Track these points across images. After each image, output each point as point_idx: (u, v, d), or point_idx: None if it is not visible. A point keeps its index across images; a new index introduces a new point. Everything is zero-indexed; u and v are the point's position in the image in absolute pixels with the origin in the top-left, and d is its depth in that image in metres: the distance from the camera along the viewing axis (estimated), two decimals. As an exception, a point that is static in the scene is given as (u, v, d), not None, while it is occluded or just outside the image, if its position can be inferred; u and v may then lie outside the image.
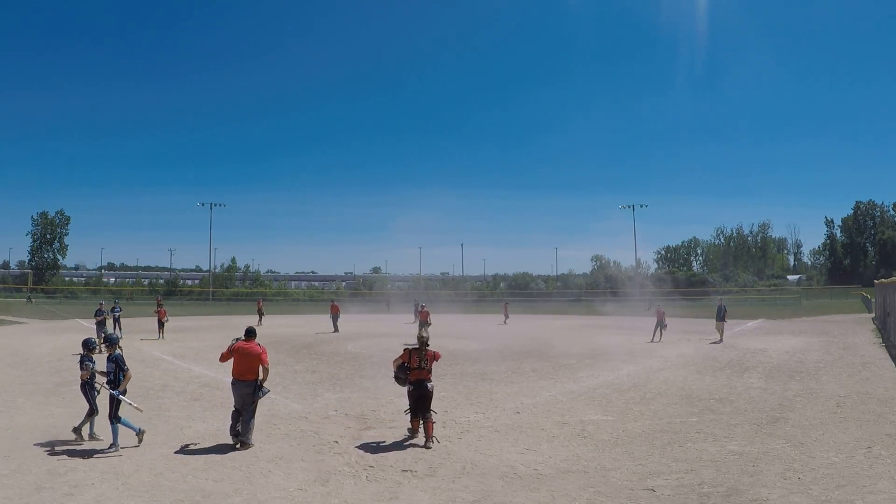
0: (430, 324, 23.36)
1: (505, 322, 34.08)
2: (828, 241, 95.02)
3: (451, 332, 26.71)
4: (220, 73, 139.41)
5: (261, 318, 33.49)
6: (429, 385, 8.30)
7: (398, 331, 26.70)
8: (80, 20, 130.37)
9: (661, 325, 22.41)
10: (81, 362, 8.18)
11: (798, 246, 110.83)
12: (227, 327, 30.08)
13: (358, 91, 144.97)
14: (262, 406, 10.60)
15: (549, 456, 7.52)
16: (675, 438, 8.29)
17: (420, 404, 8.23)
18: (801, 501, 5.86)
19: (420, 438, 8.18)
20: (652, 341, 21.84)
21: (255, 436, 8.18)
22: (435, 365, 8.60)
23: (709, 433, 8.56)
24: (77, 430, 8.13)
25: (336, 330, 26.70)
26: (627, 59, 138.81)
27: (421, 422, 8.22)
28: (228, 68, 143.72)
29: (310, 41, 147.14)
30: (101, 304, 20.04)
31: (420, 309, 25.65)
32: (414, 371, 8.29)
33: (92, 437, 8.16)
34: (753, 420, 9.37)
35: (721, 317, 21.97)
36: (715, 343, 21.04)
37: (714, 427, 8.92)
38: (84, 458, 7.34)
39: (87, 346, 8.37)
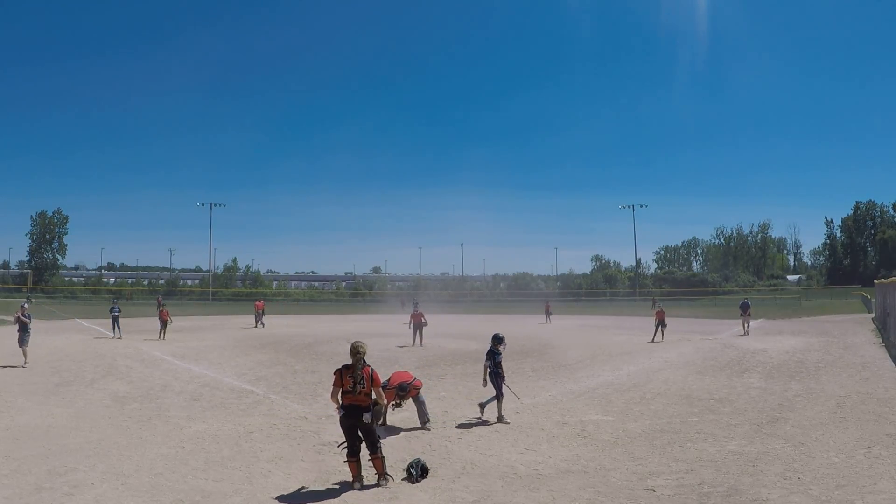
0: (426, 324, 22.39)
1: (548, 321, 34.89)
2: (828, 241, 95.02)
3: (465, 332, 26.73)
4: (222, 71, 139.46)
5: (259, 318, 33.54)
6: (365, 416, 6.29)
7: (396, 331, 26.66)
8: (79, 20, 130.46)
9: (661, 325, 22.49)
10: (489, 354, 9.50)
11: (798, 246, 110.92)
12: (227, 327, 30.11)
13: (358, 91, 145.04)
14: (262, 405, 10.68)
15: (549, 456, 7.51)
16: (675, 438, 8.28)
17: (354, 437, 6.35)
18: (801, 501, 5.86)
19: (370, 479, 6.44)
20: (653, 341, 21.89)
21: (256, 436, 8.44)
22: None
23: (709, 433, 8.56)
24: (497, 417, 9.33)
25: (261, 326, 29.47)
26: (627, 59, 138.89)
27: (370, 460, 6.40)
28: (229, 67, 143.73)
29: (309, 41, 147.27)
30: (24, 306, 19.16)
31: (414, 310, 22.27)
32: (346, 395, 6.31)
33: (500, 419, 9.28)
34: (753, 420, 9.36)
35: (746, 312, 24.59)
36: (740, 335, 23.30)
37: (714, 427, 8.91)
38: (84, 457, 7.33)
39: (497, 339, 9.56)
